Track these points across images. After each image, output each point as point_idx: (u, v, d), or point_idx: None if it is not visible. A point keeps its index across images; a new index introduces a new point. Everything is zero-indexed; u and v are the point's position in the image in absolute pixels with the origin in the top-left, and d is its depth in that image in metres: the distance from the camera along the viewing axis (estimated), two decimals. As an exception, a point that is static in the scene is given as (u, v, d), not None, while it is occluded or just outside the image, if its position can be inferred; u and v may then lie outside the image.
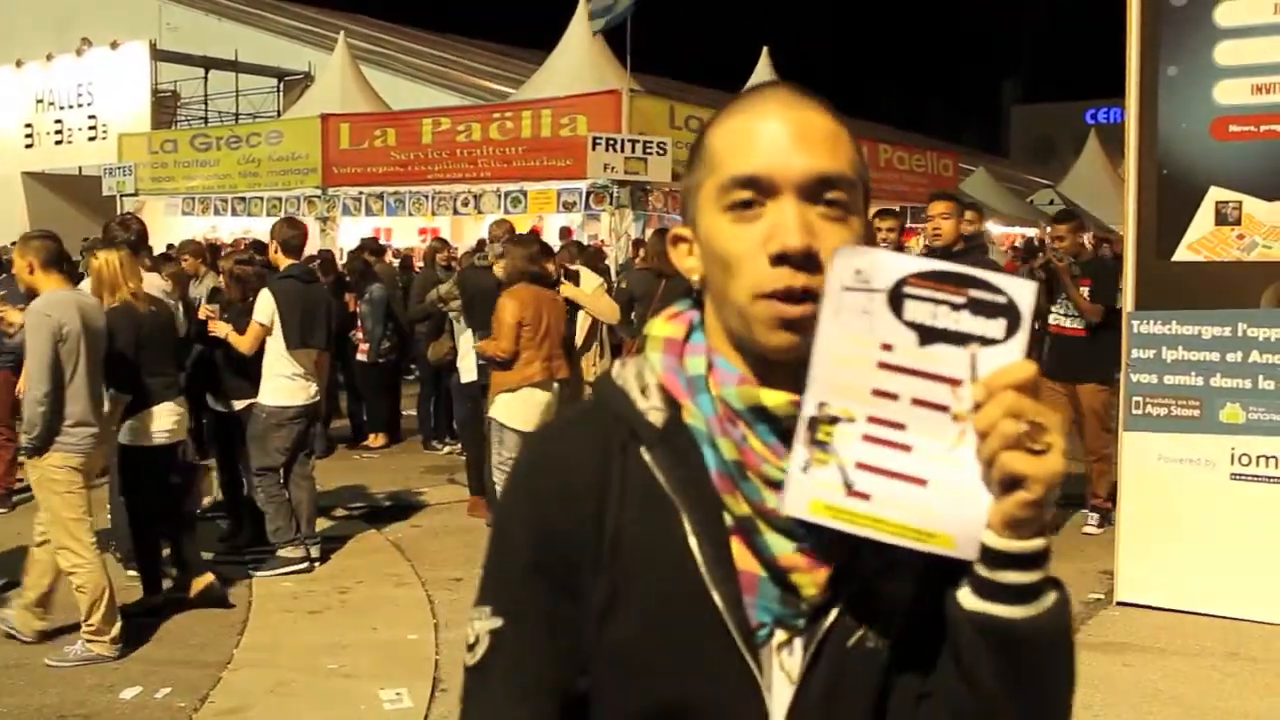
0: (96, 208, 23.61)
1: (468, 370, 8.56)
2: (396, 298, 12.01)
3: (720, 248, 1.17)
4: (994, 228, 26.21)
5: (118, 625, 5.82)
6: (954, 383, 1.02)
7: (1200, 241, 6.44)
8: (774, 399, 1.15)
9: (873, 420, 1.04)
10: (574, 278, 8.70)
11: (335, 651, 5.93)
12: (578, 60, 19.63)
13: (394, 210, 19.24)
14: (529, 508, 1.26)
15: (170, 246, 13.53)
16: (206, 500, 7.94)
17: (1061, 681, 1.11)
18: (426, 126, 18.57)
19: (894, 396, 1.03)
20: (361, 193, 19.35)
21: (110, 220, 7.76)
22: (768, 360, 1.17)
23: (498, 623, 1.25)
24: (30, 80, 27.99)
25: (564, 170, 16.71)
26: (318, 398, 7.51)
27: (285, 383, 7.28)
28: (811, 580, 1.15)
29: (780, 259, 1.12)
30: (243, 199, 20.98)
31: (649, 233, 13.87)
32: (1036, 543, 1.03)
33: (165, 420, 6.46)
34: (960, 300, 1.02)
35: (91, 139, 26.37)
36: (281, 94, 30.40)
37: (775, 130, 1.17)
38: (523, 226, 14.21)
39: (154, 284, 7.09)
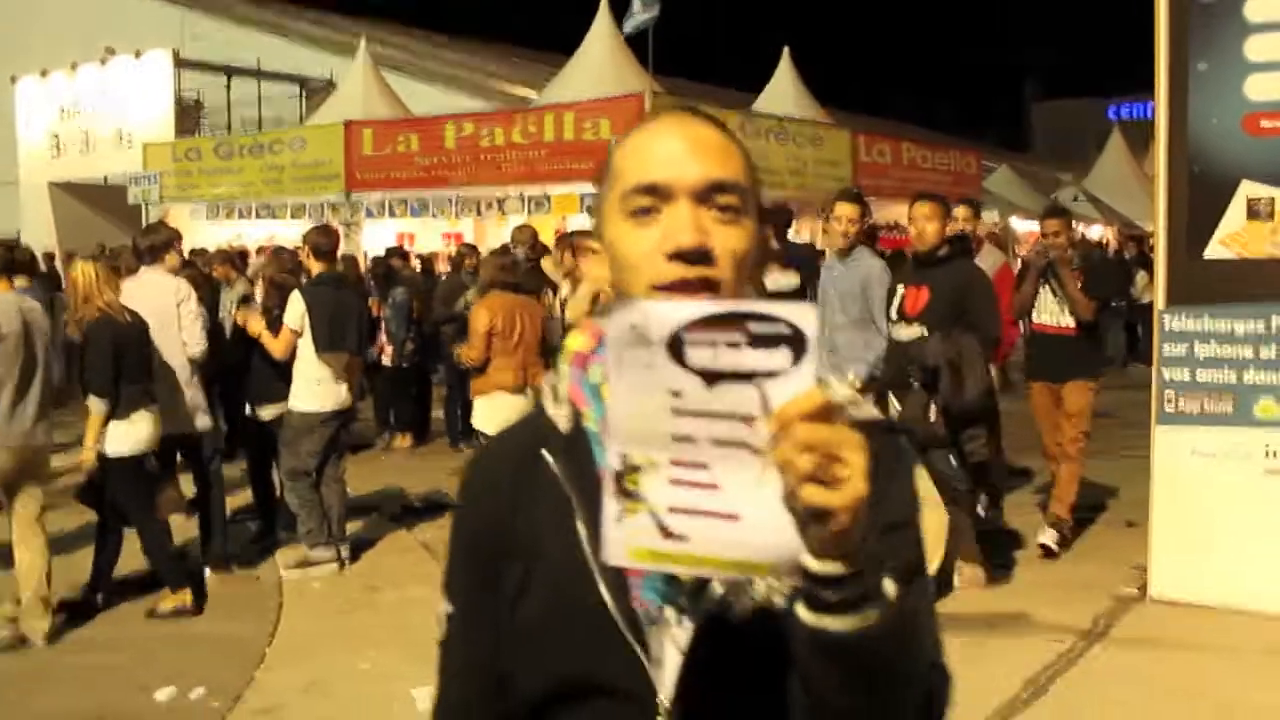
0: (123, 216, 23.72)
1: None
2: (420, 301, 12.07)
3: (623, 251, 1.30)
4: (1018, 223, 26.14)
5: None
6: (749, 419, 1.01)
7: (1232, 237, 6.40)
8: None
9: (676, 464, 1.04)
10: None
11: (367, 651, 5.95)
12: (600, 63, 19.63)
13: (418, 214, 19.29)
14: (464, 506, 1.46)
15: (192, 252, 13.59)
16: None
17: (894, 687, 1.13)
18: (449, 131, 18.60)
19: (692, 440, 1.03)
20: (385, 197, 19.41)
21: (139, 229, 7.83)
22: None
23: (449, 608, 1.44)
24: (55, 90, 28.13)
25: (587, 173, 16.67)
26: (349, 401, 7.54)
27: (315, 387, 7.31)
28: None
29: (676, 256, 1.24)
30: (267, 205, 21.07)
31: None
32: (852, 564, 1.04)
33: (143, 428, 6.51)
34: (740, 338, 1.01)
35: (116, 148, 26.51)
36: (304, 101, 30.50)
37: (671, 143, 1.31)
38: (546, 229, 14.23)
39: (159, 286, 7.12)
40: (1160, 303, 6.64)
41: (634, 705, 1.25)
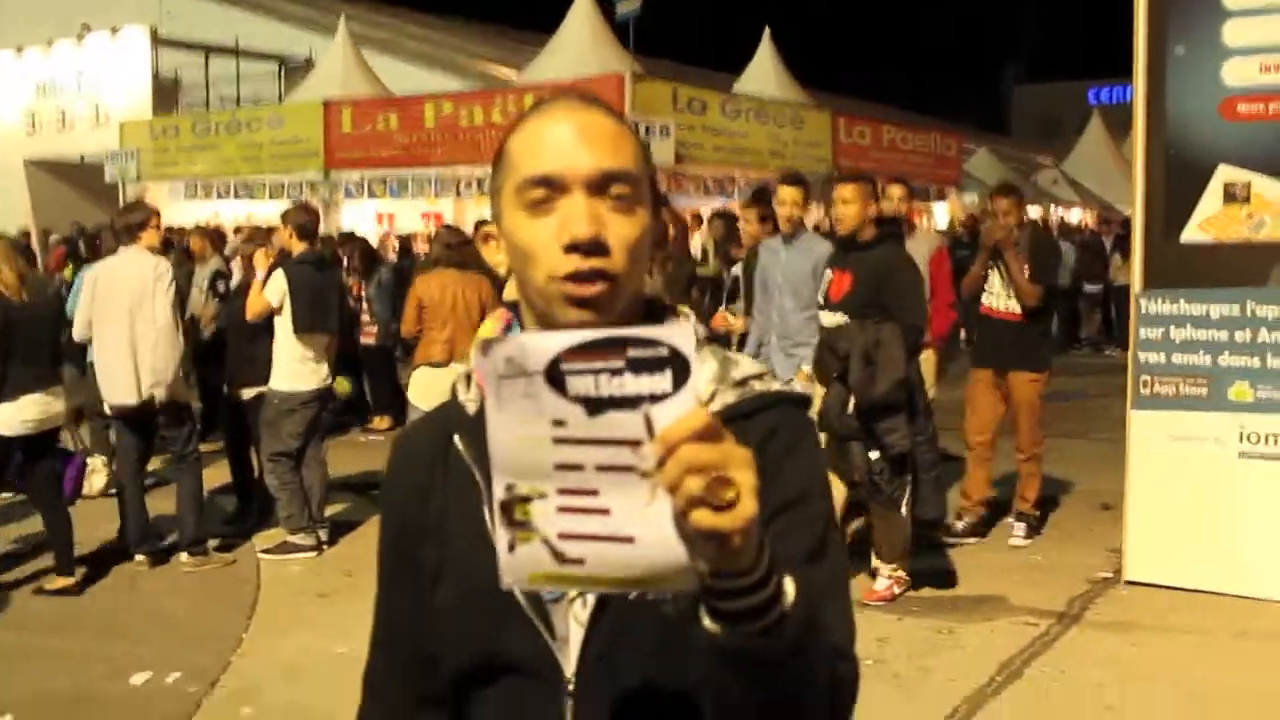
0: (100, 194, 23.56)
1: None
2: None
3: (521, 241, 1.31)
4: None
5: None
6: (634, 444, 1.00)
7: (1209, 221, 6.43)
8: None
9: (563, 492, 1.03)
10: None
11: (344, 635, 5.92)
12: (580, 43, 19.57)
13: (396, 193, 19.22)
14: (385, 491, 1.52)
15: (169, 230, 13.51)
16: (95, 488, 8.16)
17: (796, 683, 1.14)
18: (429, 110, 18.53)
19: (579, 467, 1.02)
20: (364, 176, 19.33)
21: (120, 207, 7.75)
22: (562, 328, 1.25)
23: (379, 591, 1.52)
24: (31, 67, 27.90)
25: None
26: (329, 381, 7.51)
27: (296, 367, 7.28)
28: None
29: (572, 248, 1.26)
30: (245, 184, 20.96)
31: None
32: (750, 576, 1.04)
33: (29, 410, 6.49)
34: (619, 364, 1.00)
35: (93, 125, 26.30)
36: (283, 79, 30.30)
37: (563, 133, 1.30)
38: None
39: (139, 264, 7.06)
40: (1137, 286, 6.66)
41: (542, 682, 1.31)
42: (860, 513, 6.56)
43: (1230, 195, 6.37)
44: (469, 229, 13.45)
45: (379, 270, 12.07)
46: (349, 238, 14.39)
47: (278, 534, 7.40)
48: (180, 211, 20.43)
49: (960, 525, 7.40)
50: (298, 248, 7.47)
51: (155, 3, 30.53)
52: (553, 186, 1.29)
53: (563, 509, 1.03)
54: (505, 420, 1.03)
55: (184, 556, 7.11)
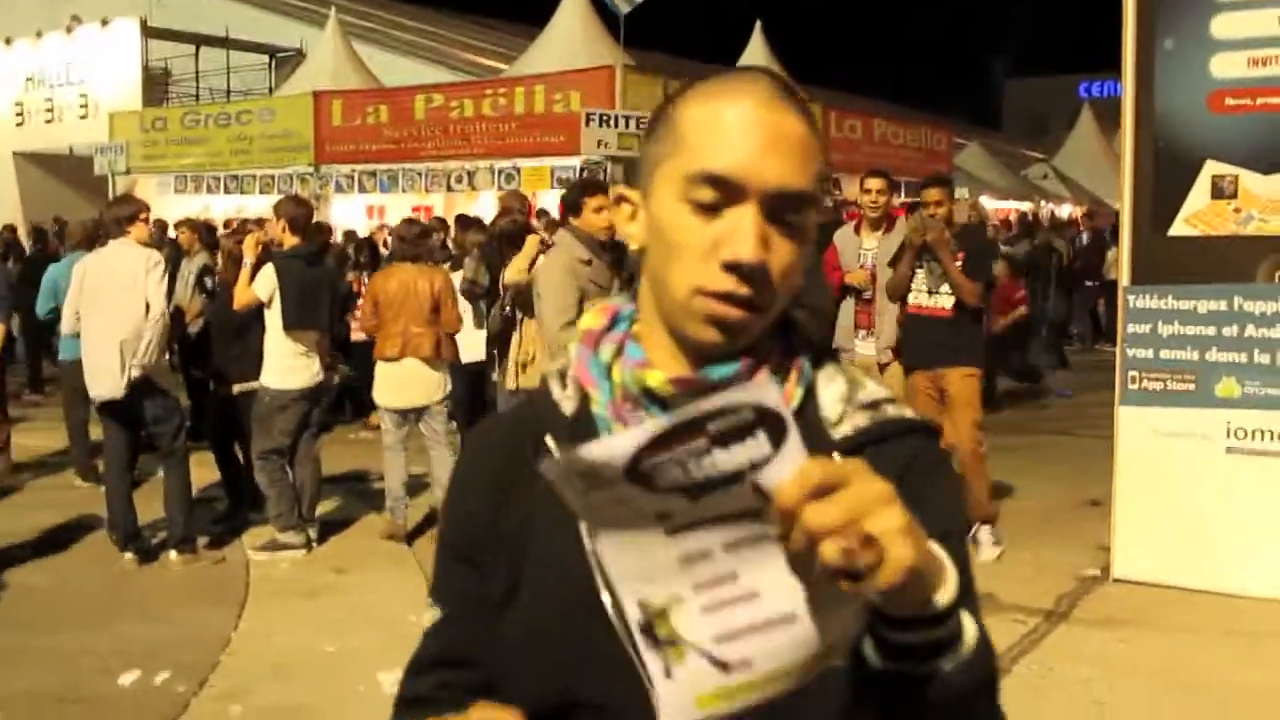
0: (89, 187, 23.48)
1: (467, 349, 8.53)
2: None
3: (672, 236, 1.17)
4: (988, 202, 26.18)
5: None
6: (756, 513, 0.90)
7: (1196, 215, 6.43)
8: (654, 379, 1.18)
9: (701, 587, 0.92)
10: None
11: (333, 633, 5.93)
12: (571, 36, 19.54)
13: (387, 188, 19.19)
14: (453, 497, 1.34)
15: (156, 222, 13.47)
16: None
17: None
18: (419, 103, 18.51)
19: (706, 554, 0.92)
20: (354, 170, 19.30)
21: (109, 200, 7.71)
22: (689, 343, 1.18)
23: (436, 613, 1.31)
24: (20, 59, 27.75)
25: (557, 146, 16.65)
26: (321, 377, 7.48)
27: (288, 363, 7.25)
28: None
29: (732, 267, 1.13)
30: (235, 177, 20.91)
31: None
32: (929, 607, 0.96)
33: None
34: (702, 444, 0.89)
35: (82, 117, 26.16)
36: (274, 71, 30.21)
37: (752, 132, 1.15)
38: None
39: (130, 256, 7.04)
40: (1125, 281, 6.66)
41: None
42: None
43: (1218, 190, 6.38)
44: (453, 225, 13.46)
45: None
46: (352, 235, 14.40)
47: (267, 532, 7.38)
48: (170, 205, 20.37)
49: None
50: (289, 241, 7.42)
51: (146, -7, 30.43)
52: (727, 191, 1.14)
53: (707, 608, 0.92)
54: (607, 531, 0.93)
55: (173, 554, 7.09)
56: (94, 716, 5.04)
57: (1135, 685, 5.21)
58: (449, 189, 18.55)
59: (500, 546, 1.23)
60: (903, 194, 15.85)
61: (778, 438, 0.89)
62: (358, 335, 11.50)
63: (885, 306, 7.30)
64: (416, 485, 7.99)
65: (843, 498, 0.87)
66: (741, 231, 1.12)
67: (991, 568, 6.76)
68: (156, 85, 28.12)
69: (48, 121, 27.16)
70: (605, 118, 15.93)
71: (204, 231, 11.66)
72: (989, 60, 71.66)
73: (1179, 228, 6.48)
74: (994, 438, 7.64)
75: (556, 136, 16.61)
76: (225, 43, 29.65)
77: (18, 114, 27.87)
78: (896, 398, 1.25)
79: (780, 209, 1.14)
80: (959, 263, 6.87)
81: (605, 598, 0.97)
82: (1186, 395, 6.42)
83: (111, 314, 6.84)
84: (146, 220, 7.38)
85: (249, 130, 20.60)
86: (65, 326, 7.18)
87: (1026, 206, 25.87)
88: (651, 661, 0.93)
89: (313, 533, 7.42)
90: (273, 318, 7.23)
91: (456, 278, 8.56)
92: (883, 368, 7.26)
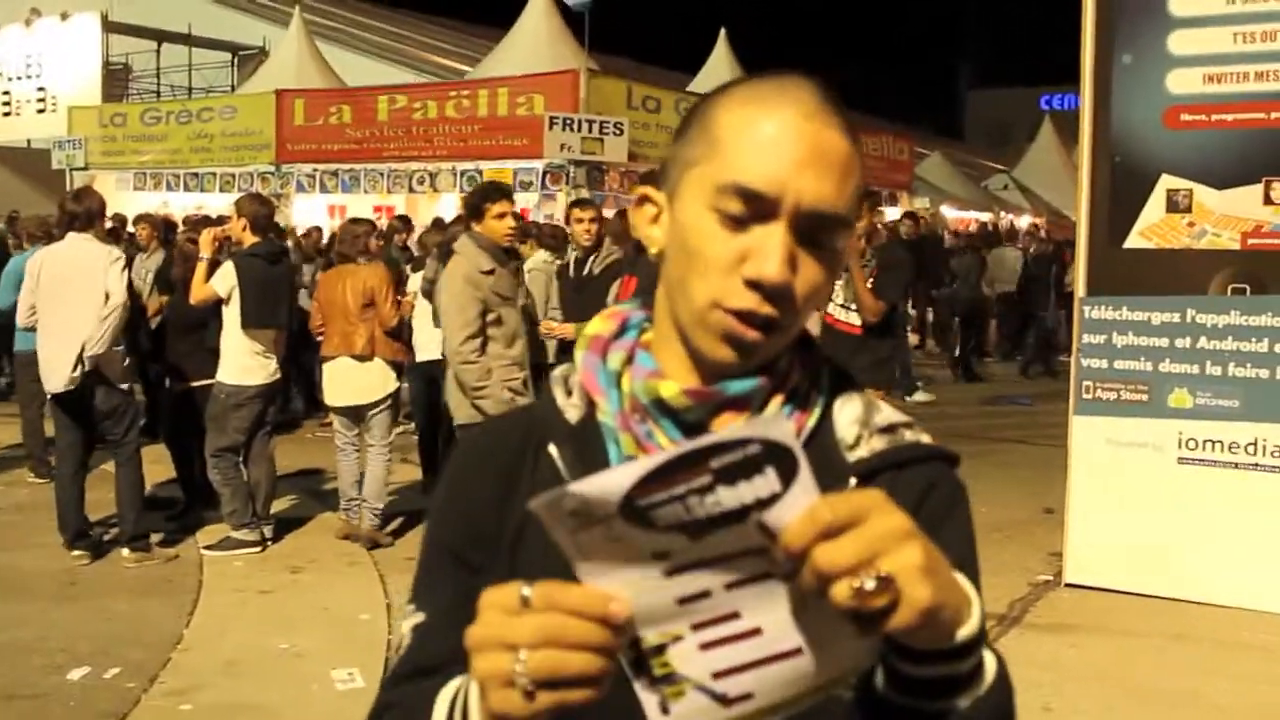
0: (46, 181, 23.22)
1: (422, 348, 8.53)
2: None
3: (696, 245, 1.11)
4: (949, 212, 26.40)
5: None
6: (761, 551, 0.85)
7: (1151, 228, 6.51)
8: (668, 389, 1.13)
9: (699, 627, 0.87)
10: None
11: (287, 631, 5.90)
12: (535, 39, 19.54)
13: (349, 188, 19.09)
14: (443, 496, 1.27)
15: (113, 217, 13.35)
16: None
17: None
18: (382, 104, 18.44)
19: (705, 594, 0.86)
20: (316, 170, 19.20)
21: (65, 195, 7.63)
22: (702, 357, 1.14)
23: (420, 618, 1.21)
24: (-22, 52, 27.50)
25: (520, 149, 16.64)
26: (278, 375, 7.45)
27: (246, 360, 7.21)
28: None
29: (755, 285, 1.07)
30: (195, 174, 20.76)
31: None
32: (947, 641, 0.90)
33: None
34: (705, 480, 0.83)
35: (40, 111, 25.92)
36: (236, 69, 30.04)
37: (791, 145, 1.08)
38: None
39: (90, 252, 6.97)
40: (1081, 292, 6.74)
41: None
42: None
43: (1173, 204, 6.46)
44: (420, 227, 13.43)
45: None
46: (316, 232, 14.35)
47: (221, 530, 7.33)
48: (129, 202, 20.18)
49: None
50: (249, 240, 7.38)
51: (106, -13, 30.17)
52: (758, 205, 1.07)
53: (706, 645, 0.87)
54: (598, 571, 0.86)
55: (125, 551, 7.02)
56: (42, 712, 4.99)
57: (1085, 690, 5.27)
58: (411, 190, 18.48)
59: (498, 553, 1.17)
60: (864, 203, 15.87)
61: (788, 474, 0.83)
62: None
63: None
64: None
65: (857, 535, 0.83)
66: (768, 249, 1.07)
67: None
68: (116, 81, 27.91)
69: (5, 114, 26.88)
70: (569, 121, 15.94)
71: (163, 228, 11.58)
72: (953, 70, 72.20)
73: (1134, 240, 6.56)
74: (952, 445, 7.68)
75: (520, 139, 16.60)
76: (187, 39, 29.46)
77: (-26, 106, 27.56)
78: (914, 423, 1.21)
79: (811, 230, 1.09)
80: (871, 279, 6.75)
81: None
82: (1139, 406, 6.50)
83: (71, 309, 6.76)
84: (103, 216, 7.33)
85: (210, 128, 20.46)
86: (20, 320, 7.10)
87: (986, 217, 26.07)
88: (647, 700, 0.89)
89: (267, 531, 7.38)
90: (231, 315, 7.19)
91: (418, 278, 8.55)
92: None
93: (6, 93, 26.96)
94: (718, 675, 0.87)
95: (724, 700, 0.88)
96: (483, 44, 26.59)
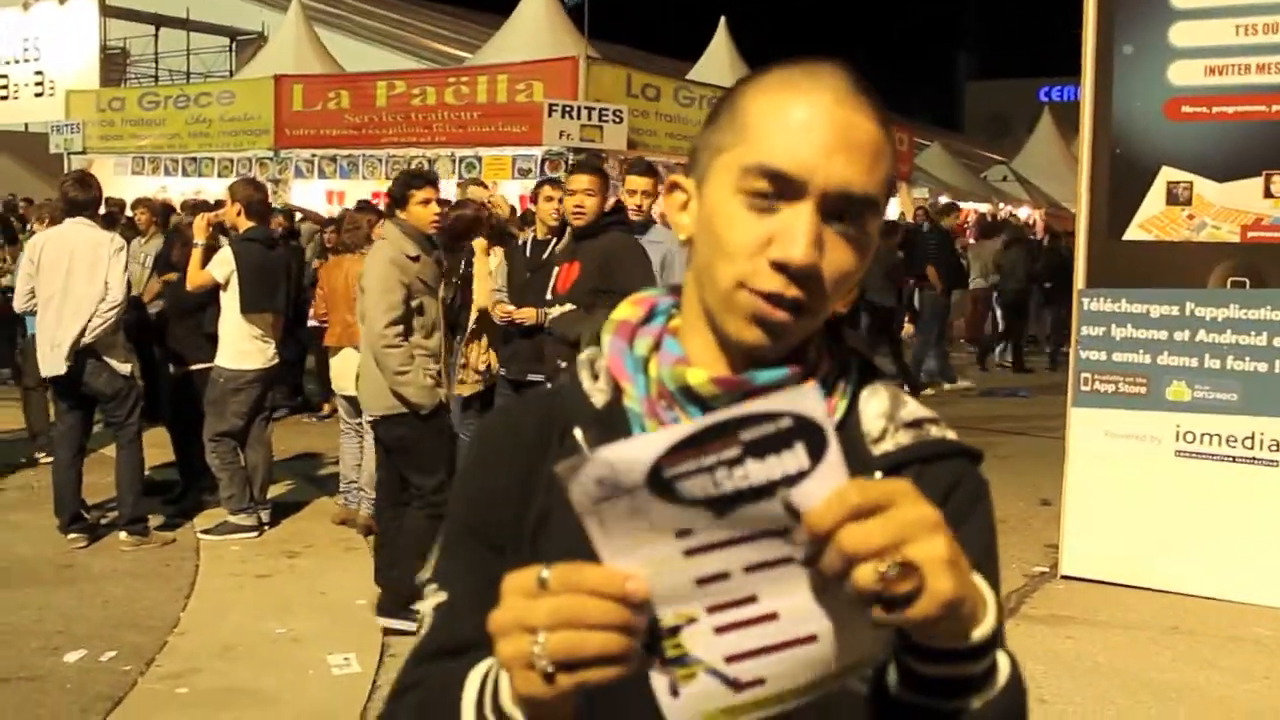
0: (43, 165, 23.20)
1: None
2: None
3: (722, 228, 1.10)
4: (947, 201, 26.34)
5: None
6: (783, 532, 0.85)
7: (1151, 221, 6.51)
8: (696, 377, 1.13)
9: (715, 609, 0.86)
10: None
11: (283, 616, 5.90)
12: (535, 26, 19.49)
13: (347, 174, 19.06)
14: (464, 479, 1.28)
15: (109, 201, 13.32)
16: None
17: None
18: (381, 89, 18.39)
19: (724, 576, 0.86)
20: (314, 155, 19.16)
21: (64, 179, 7.60)
22: (731, 343, 1.13)
23: (442, 597, 1.21)
24: (-25, 35, 27.41)
25: (519, 136, 16.61)
26: (276, 360, 7.45)
27: (244, 345, 7.21)
28: None
29: (781, 267, 1.07)
30: (194, 159, 20.72)
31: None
32: (963, 641, 0.90)
33: None
34: (734, 452, 0.83)
35: (38, 95, 25.85)
36: (234, 54, 29.97)
37: (820, 128, 1.08)
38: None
39: (90, 238, 6.95)
40: (1080, 284, 6.74)
41: None
42: None
43: (1173, 196, 6.46)
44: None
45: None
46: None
47: (219, 514, 7.33)
48: (127, 186, 20.15)
49: None
50: (244, 225, 7.36)
51: (105, -28, 30.08)
52: (785, 186, 1.07)
53: (721, 628, 0.87)
54: (618, 547, 0.86)
55: (123, 535, 7.02)
56: (39, 695, 4.99)
57: (1080, 682, 5.28)
58: (409, 176, 18.44)
59: (520, 537, 1.18)
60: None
61: (817, 451, 0.83)
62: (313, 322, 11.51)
63: None
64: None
65: (886, 519, 0.83)
66: (795, 230, 1.06)
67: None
68: (114, 65, 27.85)
69: (3, 98, 26.81)
70: (568, 109, 15.91)
71: (161, 213, 11.55)
72: (952, 61, 72.12)
73: (1134, 232, 6.55)
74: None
75: (519, 127, 16.56)
76: (186, 24, 29.40)
77: (-29, 90, 27.50)
78: (939, 419, 1.21)
79: (840, 211, 1.08)
80: None
81: None
82: (1138, 398, 6.51)
83: (71, 294, 6.76)
84: (101, 200, 7.35)
85: (208, 113, 20.41)
86: (18, 304, 7.08)
87: (985, 208, 26.05)
88: (657, 681, 0.88)
89: (265, 515, 7.38)
90: (229, 300, 7.19)
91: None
92: None
93: (4, 76, 26.88)
94: (731, 659, 0.87)
95: (735, 685, 0.87)
96: (482, 30, 26.54)
